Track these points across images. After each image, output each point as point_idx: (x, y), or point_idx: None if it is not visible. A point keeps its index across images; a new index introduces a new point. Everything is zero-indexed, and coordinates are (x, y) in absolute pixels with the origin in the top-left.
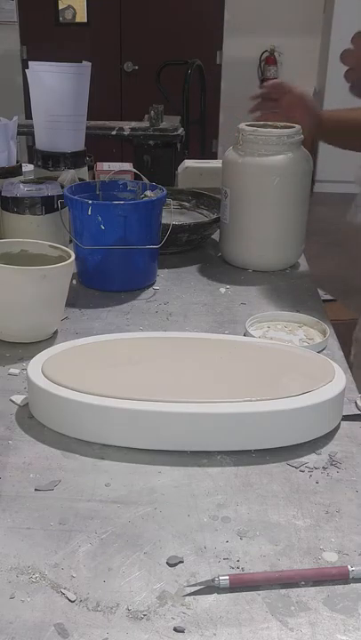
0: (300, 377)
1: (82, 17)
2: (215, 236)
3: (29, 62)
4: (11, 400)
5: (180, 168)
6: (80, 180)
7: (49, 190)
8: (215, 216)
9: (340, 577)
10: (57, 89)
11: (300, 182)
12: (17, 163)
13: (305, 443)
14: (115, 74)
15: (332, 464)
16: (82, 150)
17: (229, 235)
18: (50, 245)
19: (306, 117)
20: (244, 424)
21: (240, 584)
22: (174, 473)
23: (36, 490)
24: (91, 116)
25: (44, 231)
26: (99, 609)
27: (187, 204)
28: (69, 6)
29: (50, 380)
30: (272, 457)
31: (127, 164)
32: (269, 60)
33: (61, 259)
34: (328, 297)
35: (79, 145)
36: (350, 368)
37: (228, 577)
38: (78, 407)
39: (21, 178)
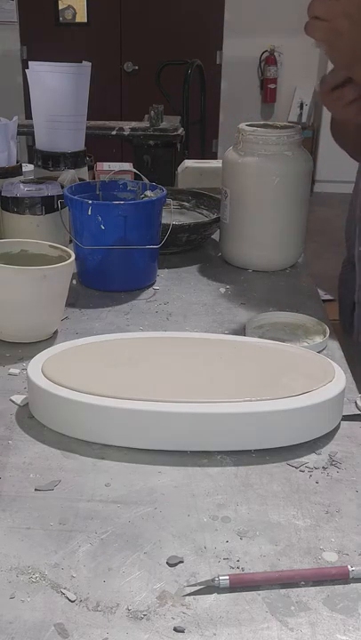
0: (300, 377)
1: (82, 17)
2: (215, 236)
3: (29, 62)
4: (11, 400)
5: (180, 168)
6: (80, 179)
7: (49, 190)
8: (215, 216)
9: (340, 577)
10: (57, 89)
11: (301, 182)
12: (17, 163)
13: (305, 443)
14: (115, 74)
15: (332, 464)
16: (82, 150)
17: (229, 235)
18: (50, 245)
19: None
20: (244, 424)
21: (240, 584)
22: (174, 473)
23: (36, 490)
24: (91, 115)
25: (44, 231)
26: (99, 609)
27: (187, 204)
28: (69, 6)
29: (50, 380)
30: (272, 457)
31: (127, 163)
32: (269, 59)
33: (61, 259)
34: (328, 297)
35: (79, 145)
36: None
37: (228, 577)
38: (78, 407)
39: (21, 178)
